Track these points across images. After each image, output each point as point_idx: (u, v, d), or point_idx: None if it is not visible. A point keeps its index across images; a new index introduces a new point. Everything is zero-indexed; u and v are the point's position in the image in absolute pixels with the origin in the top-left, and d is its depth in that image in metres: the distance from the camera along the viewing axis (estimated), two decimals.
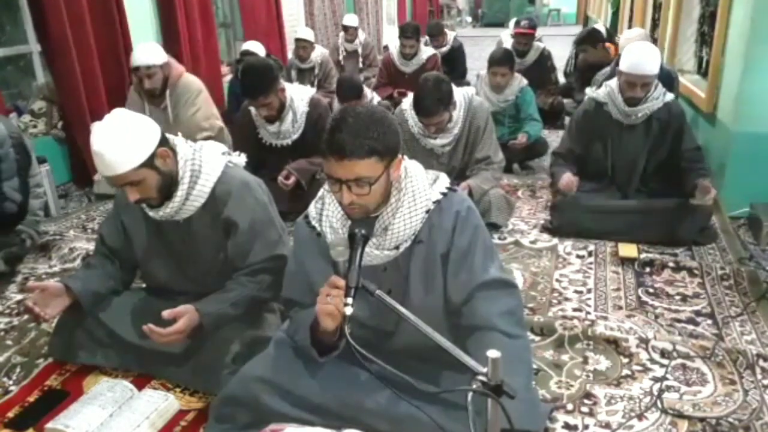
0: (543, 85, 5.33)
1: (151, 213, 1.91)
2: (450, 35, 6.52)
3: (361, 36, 6.65)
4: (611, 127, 3.07)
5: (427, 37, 6.67)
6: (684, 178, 2.93)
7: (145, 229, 2.01)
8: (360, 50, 6.48)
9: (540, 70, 5.36)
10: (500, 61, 4.06)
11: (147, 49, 3.50)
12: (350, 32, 6.47)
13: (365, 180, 1.39)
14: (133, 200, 1.79)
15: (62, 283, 1.95)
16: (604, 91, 3.08)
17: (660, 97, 2.96)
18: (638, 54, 2.86)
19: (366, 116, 1.39)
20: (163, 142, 1.82)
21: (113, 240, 2.06)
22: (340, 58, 6.34)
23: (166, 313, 1.79)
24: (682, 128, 3.00)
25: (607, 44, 5.03)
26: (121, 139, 1.70)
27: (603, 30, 6.00)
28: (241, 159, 2.05)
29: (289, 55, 6.24)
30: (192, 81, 3.66)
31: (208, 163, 1.91)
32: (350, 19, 6.54)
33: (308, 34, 5.72)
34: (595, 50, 5.08)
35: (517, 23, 5.65)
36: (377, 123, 1.39)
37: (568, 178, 3.02)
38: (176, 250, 2.01)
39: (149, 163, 1.76)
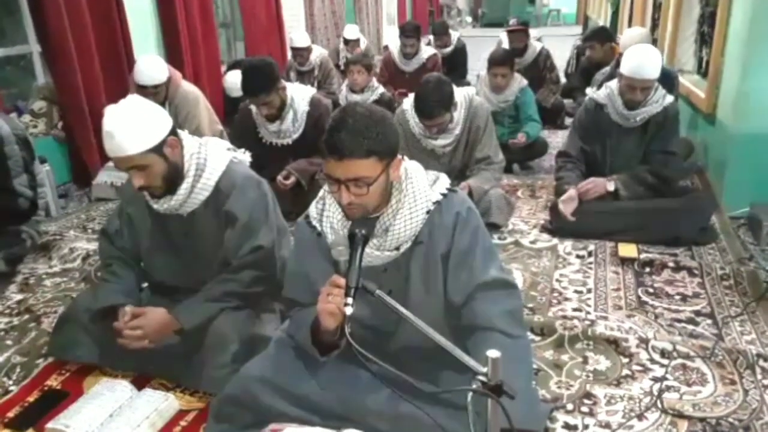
0: (542, 84, 5.34)
1: (155, 205, 1.92)
2: (454, 35, 6.53)
3: (362, 45, 6.64)
4: (610, 129, 3.07)
5: (430, 37, 6.66)
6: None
7: (149, 224, 2.01)
8: None
9: (538, 69, 5.38)
10: (500, 61, 4.06)
11: (153, 65, 3.42)
12: (351, 45, 6.48)
13: (364, 180, 1.39)
14: (137, 186, 1.79)
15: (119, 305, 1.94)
16: (604, 92, 3.08)
17: (660, 100, 2.96)
18: (639, 57, 2.86)
19: (365, 116, 1.40)
20: (174, 132, 1.85)
21: (122, 240, 2.06)
22: (341, 63, 6.33)
23: (128, 309, 1.87)
24: (671, 129, 3.01)
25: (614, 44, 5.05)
26: (134, 121, 1.72)
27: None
28: (245, 156, 2.06)
29: (289, 55, 6.24)
30: (188, 92, 3.63)
31: (213, 157, 1.92)
32: (351, 32, 6.56)
33: (303, 41, 5.64)
34: (602, 48, 5.09)
35: (507, 24, 5.75)
36: (376, 123, 1.39)
37: (569, 201, 2.96)
38: (179, 245, 2.02)
39: (158, 150, 1.77)
